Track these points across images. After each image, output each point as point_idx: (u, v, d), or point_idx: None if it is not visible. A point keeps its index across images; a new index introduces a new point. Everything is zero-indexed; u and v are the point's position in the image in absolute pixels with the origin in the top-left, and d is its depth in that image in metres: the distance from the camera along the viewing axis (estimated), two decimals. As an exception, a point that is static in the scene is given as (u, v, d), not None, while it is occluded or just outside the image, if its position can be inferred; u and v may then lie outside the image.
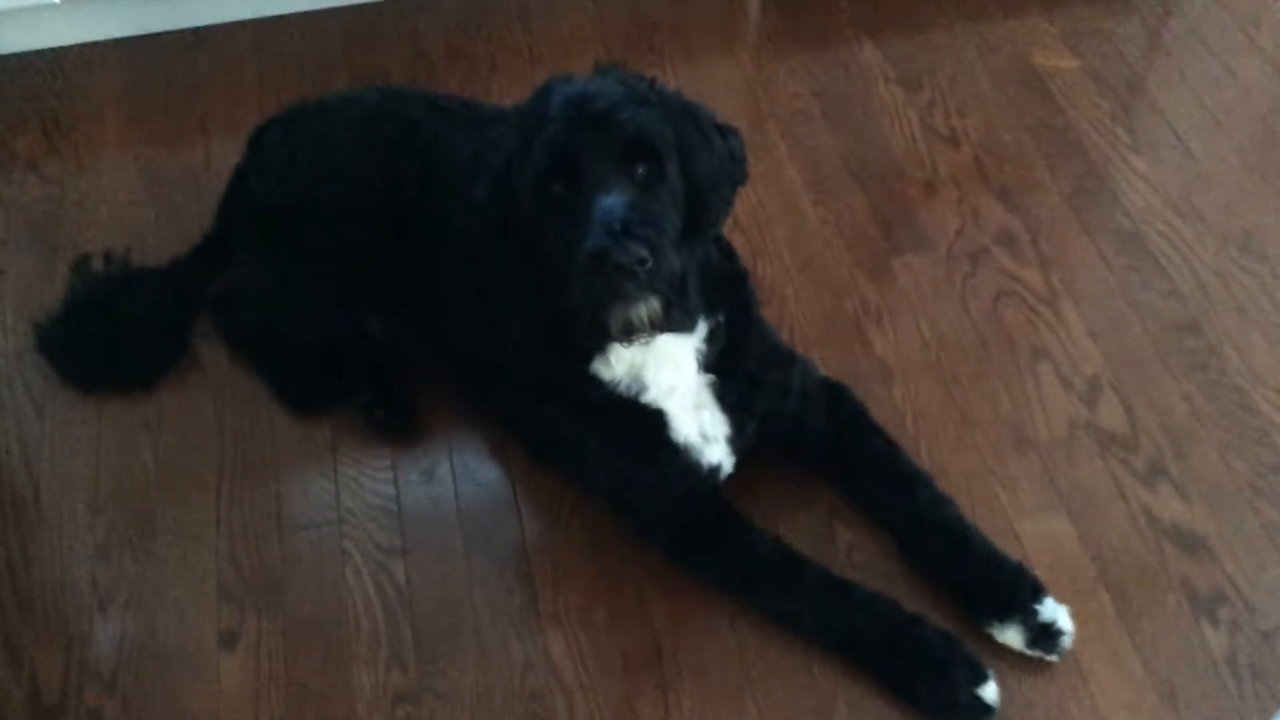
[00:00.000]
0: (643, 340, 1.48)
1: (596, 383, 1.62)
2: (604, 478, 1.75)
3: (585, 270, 1.38)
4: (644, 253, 1.36)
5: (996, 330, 2.05)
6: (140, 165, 2.35)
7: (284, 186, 1.89)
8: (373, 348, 2.00)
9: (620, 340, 1.47)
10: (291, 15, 2.59)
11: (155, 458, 1.94)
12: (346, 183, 1.85)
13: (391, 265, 1.86)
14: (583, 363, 1.61)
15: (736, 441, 1.71)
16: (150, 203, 2.29)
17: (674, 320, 1.48)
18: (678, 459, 1.67)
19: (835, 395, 1.84)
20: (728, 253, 1.71)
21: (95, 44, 2.56)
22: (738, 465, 1.75)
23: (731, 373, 1.68)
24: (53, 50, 2.54)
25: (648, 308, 1.42)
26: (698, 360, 1.64)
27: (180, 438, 1.97)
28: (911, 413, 1.95)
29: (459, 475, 1.92)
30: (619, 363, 1.59)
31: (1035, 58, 2.47)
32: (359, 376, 1.98)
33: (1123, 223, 2.19)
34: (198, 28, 2.59)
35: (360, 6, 2.61)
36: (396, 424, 1.95)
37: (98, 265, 2.12)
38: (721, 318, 1.65)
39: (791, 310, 2.07)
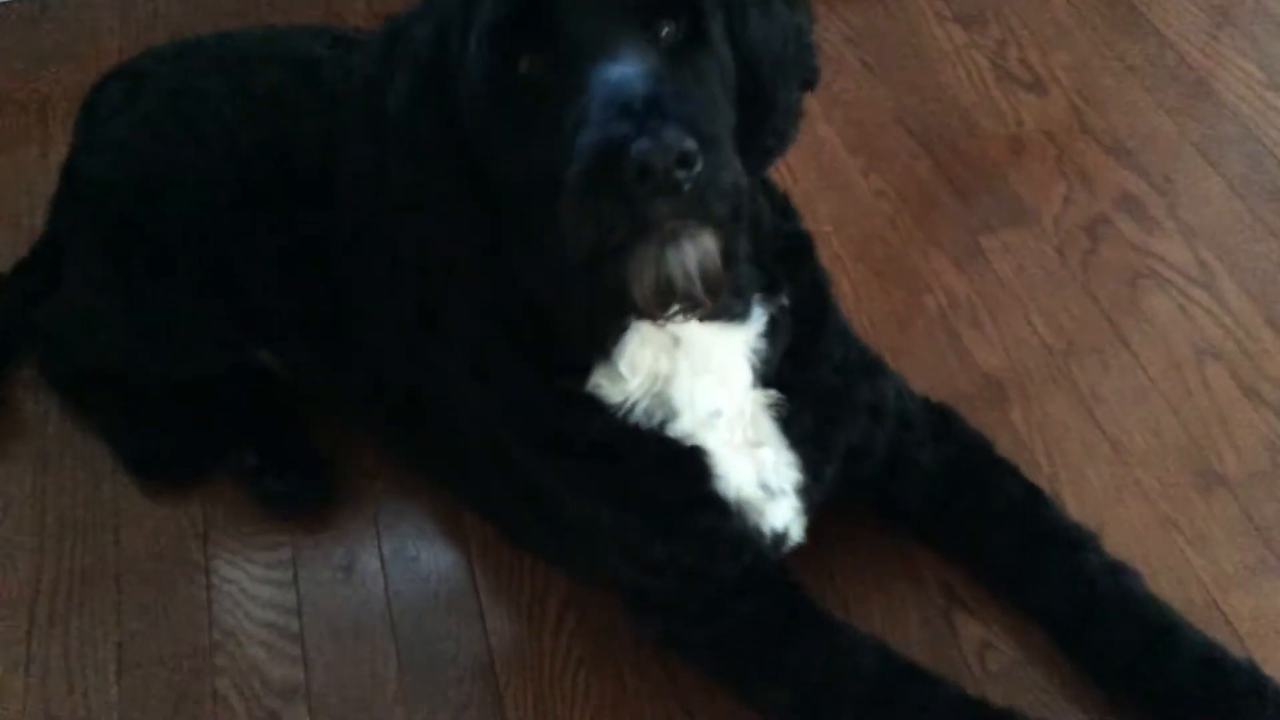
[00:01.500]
0: (687, 315, 0.87)
1: (596, 408, 1.02)
2: (611, 559, 1.14)
3: (585, 184, 0.79)
4: (688, 141, 0.77)
5: (1141, 324, 1.47)
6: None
7: (126, 160, 1.28)
8: (261, 388, 1.39)
9: (651, 312, 0.86)
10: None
11: (-55, 564, 1.32)
12: (217, 150, 1.26)
13: (285, 265, 1.25)
14: (574, 377, 1.01)
15: (811, 494, 1.11)
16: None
17: (735, 282, 0.90)
18: (725, 524, 1.07)
19: (945, 422, 1.24)
20: (783, 208, 1.12)
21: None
22: (811, 529, 1.14)
23: (803, 389, 1.08)
24: None
25: (698, 251, 0.83)
26: (753, 368, 1.04)
27: (-17, 533, 1.34)
28: (1042, 444, 1.35)
29: (391, 568, 1.30)
30: (633, 372, 1.00)
31: (1124, -15, 1.93)
32: (241, 429, 1.36)
33: (1277, 175, 1.62)
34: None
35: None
36: (298, 496, 1.34)
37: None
38: (786, 302, 1.06)
39: (853, 311, 1.47)
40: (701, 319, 0.96)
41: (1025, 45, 1.83)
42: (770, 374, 1.06)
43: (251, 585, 1.29)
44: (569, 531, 1.15)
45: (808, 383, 1.08)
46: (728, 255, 0.85)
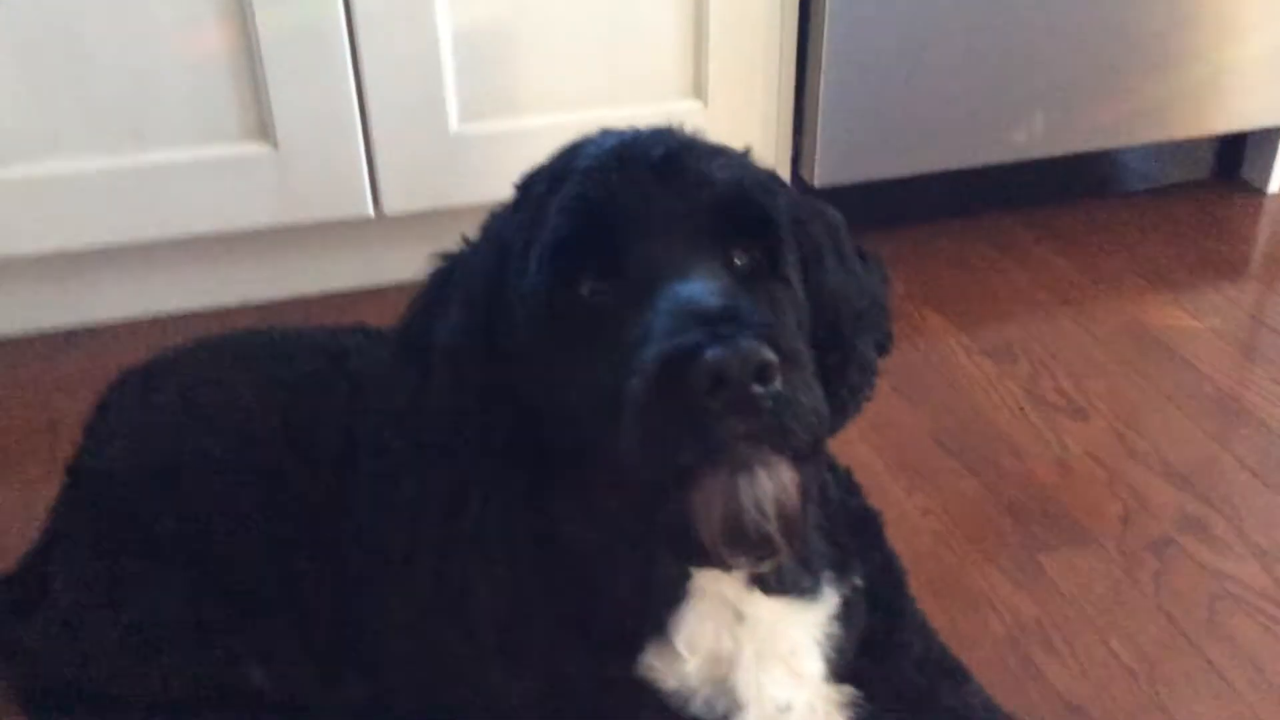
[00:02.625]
0: (759, 561, 0.77)
1: (649, 697, 0.89)
2: None
3: (650, 397, 0.72)
4: (767, 352, 0.70)
5: (1226, 647, 1.34)
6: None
7: (132, 449, 1.21)
8: (251, 712, 1.23)
9: (718, 554, 0.75)
10: (188, 313, 2.03)
11: None
12: (231, 436, 1.18)
13: (291, 559, 1.15)
14: (622, 658, 0.88)
15: (899, 814, 0.95)
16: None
17: (808, 536, 0.80)
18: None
19: (1033, 742, 1.09)
20: (847, 483, 1.04)
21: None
22: None
23: (881, 686, 0.95)
24: None
25: (774, 482, 0.73)
26: (825, 656, 0.92)
27: None
28: (1145, 779, 1.19)
29: None
30: (691, 651, 0.87)
31: (1148, 318, 1.94)
32: (231, 754, 1.20)
33: (1343, 498, 1.55)
34: (69, 328, 2.00)
35: (268, 305, 2.06)
36: (290, 833, 1.15)
37: None
38: (860, 582, 0.95)
39: (910, 631, 1.35)
40: (769, 589, 0.86)
41: (1058, 375, 1.82)
42: (844, 667, 0.93)
43: None
44: None
45: (886, 680, 0.96)
46: (805, 494, 0.76)
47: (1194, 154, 2.44)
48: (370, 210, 1.96)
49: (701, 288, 0.76)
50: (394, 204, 1.96)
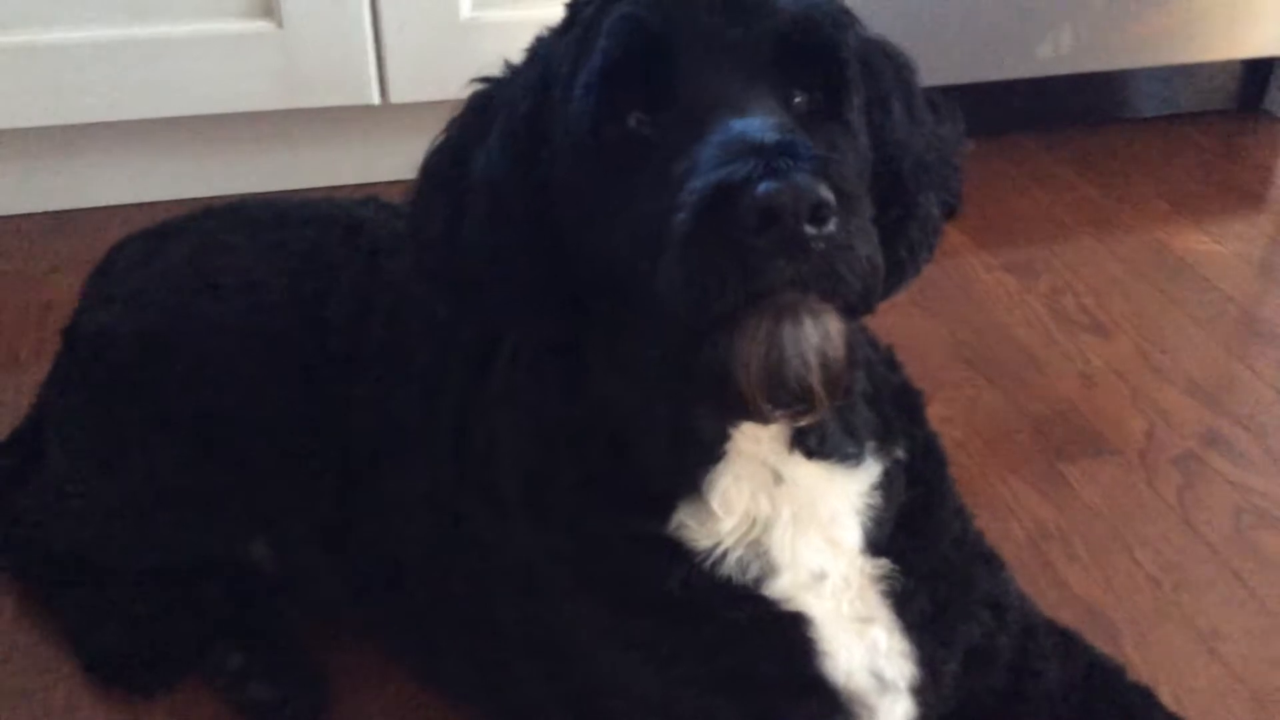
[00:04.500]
0: (799, 416, 0.72)
1: (679, 555, 0.84)
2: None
3: (694, 232, 0.66)
4: (823, 190, 0.65)
5: (1256, 563, 1.31)
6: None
7: (134, 311, 1.15)
8: (249, 584, 1.19)
9: (757, 405, 0.70)
10: (183, 200, 1.95)
11: None
12: (237, 302, 1.13)
13: (299, 429, 1.10)
14: (653, 515, 0.84)
15: (928, 698, 0.91)
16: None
17: (854, 390, 0.75)
18: (829, 717, 0.86)
19: (1067, 639, 1.05)
20: (889, 360, 0.99)
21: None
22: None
23: (918, 564, 0.91)
24: None
25: (820, 332, 0.68)
26: (863, 526, 0.87)
27: (-100, 743, 1.10)
28: (1169, 686, 1.16)
29: (397, 798, 1.06)
30: (726, 511, 0.83)
31: (1170, 241, 1.90)
32: (224, 627, 1.15)
33: (1369, 423, 1.52)
34: (58, 210, 1.93)
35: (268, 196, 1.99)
36: (288, 705, 1.11)
37: None
38: (903, 455, 0.91)
39: (929, 533, 1.31)
40: (811, 452, 0.82)
41: (1080, 293, 1.78)
42: (881, 541, 0.89)
43: (225, 814, 1.04)
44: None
45: (923, 558, 0.91)
46: (853, 348, 0.72)
47: (1217, 83, 2.39)
48: (376, 97, 1.89)
49: (757, 122, 0.71)
50: (401, 92, 1.89)
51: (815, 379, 0.69)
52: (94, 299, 1.20)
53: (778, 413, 0.71)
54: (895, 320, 1.71)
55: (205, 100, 1.84)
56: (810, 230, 0.65)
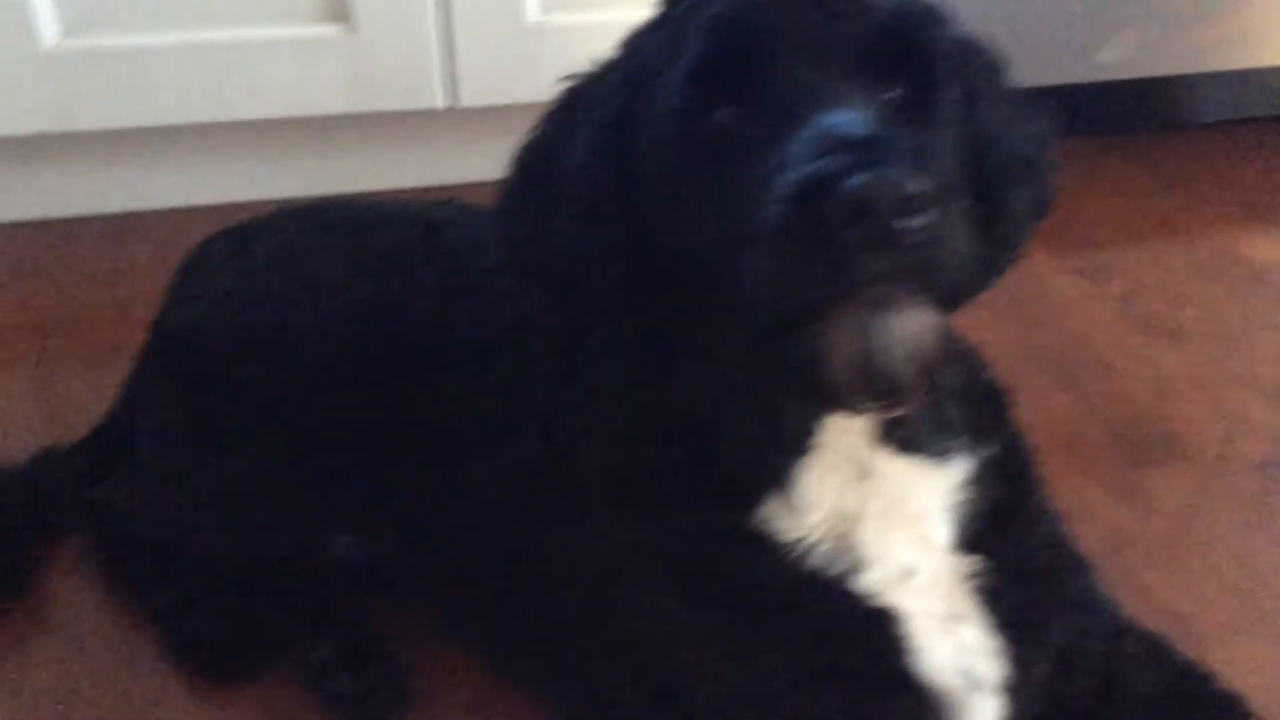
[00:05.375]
0: (888, 408, 0.73)
1: (765, 550, 0.84)
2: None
3: (783, 226, 0.67)
4: (917, 183, 0.65)
5: (1341, 569, 1.29)
6: (34, 353, 1.64)
7: (223, 310, 1.17)
8: (333, 578, 1.21)
9: (845, 397, 0.71)
10: (253, 203, 1.98)
11: (-61, 764, 1.09)
12: (323, 304, 1.14)
13: (383, 427, 1.11)
14: (741, 509, 0.84)
15: (1018, 699, 0.90)
16: (37, 394, 1.55)
17: (943, 386, 0.75)
18: (919, 716, 0.86)
19: (1155, 645, 1.04)
20: (975, 358, 0.99)
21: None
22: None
23: (1008, 562, 0.90)
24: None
25: (912, 325, 0.69)
26: (953, 523, 0.87)
27: (-7, 730, 1.13)
28: (1259, 696, 1.13)
29: (479, 792, 1.07)
30: (813, 506, 0.83)
31: (1242, 247, 1.87)
32: (310, 620, 1.17)
33: None
34: (132, 212, 1.97)
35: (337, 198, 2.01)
36: (373, 698, 1.12)
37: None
38: (992, 451, 0.90)
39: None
40: (901, 447, 0.82)
41: (1151, 298, 1.76)
42: (971, 538, 0.89)
43: (312, 803, 1.05)
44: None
45: (1013, 556, 0.91)
46: (944, 342, 0.72)
47: (1285, 89, 2.36)
48: (443, 102, 1.91)
49: (849, 116, 0.71)
50: (468, 96, 1.91)
51: (906, 371, 0.70)
52: (182, 295, 1.23)
53: (868, 405, 0.72)
54: (966, 323, 1.68)
55: (276, 104, 1.87)
56: (903, 223, 0.65)
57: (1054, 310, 1.73)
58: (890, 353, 0.68)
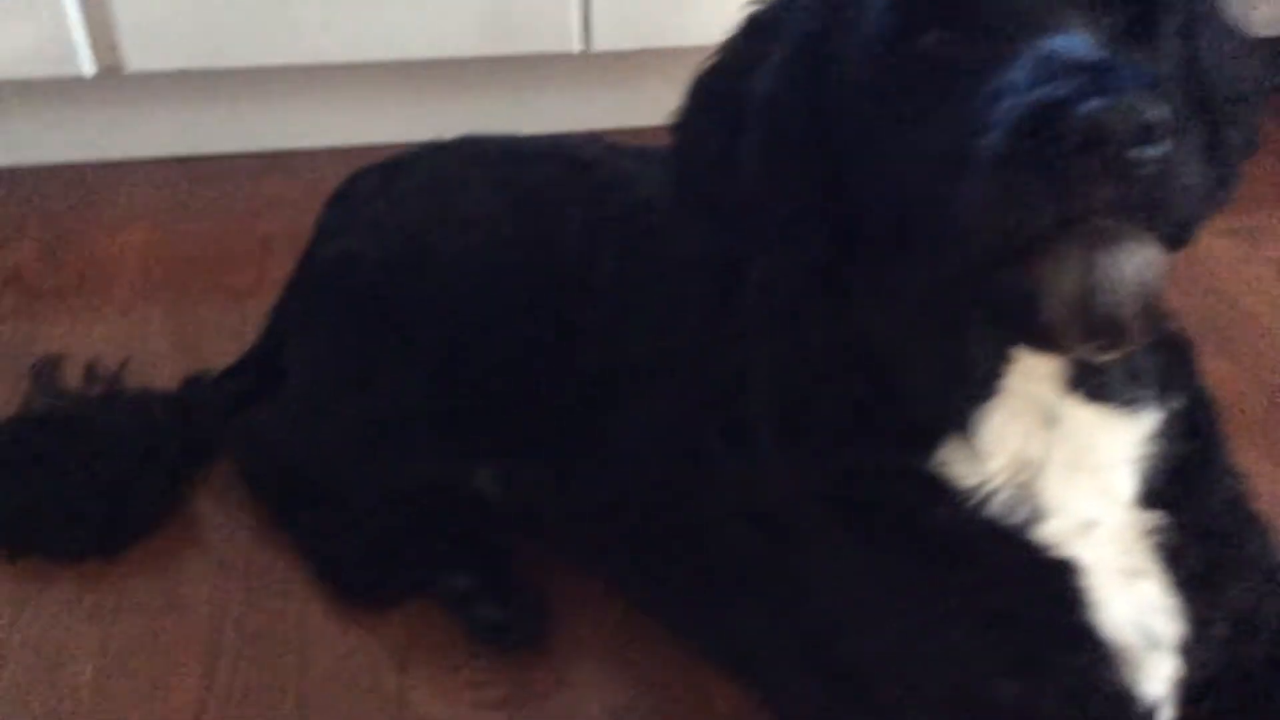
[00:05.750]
0: (1104, 350, 0.70)
1: (941, 494, 0.82)
2: (923, 712, 0.89)
3: (1008, 152, 0.64)
4: (1157, 110, 0.61)
5: None
6: (173, 284, 1.67)
7: (377, 237, 1.18)
8: (476, 510, 1.21)
9: (1060, 336, 0.68)
10: (387, 145, 1.99)
11: (99, 673, 1.12)
12: (475, 235, 1.15)
13: (533, 359, 1.11)
14: (915, 450, 0.82)
15: (1194, 659, 0.87)
16: (174, 326, 1.58)
17: (1157, 329, 0.72)
18: (1103, 672, 0.84)
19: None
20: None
21: (138, 161, 1.95)
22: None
23: (1190, 519, 0.87)
24: (89, 163, 1.94)
25: (1140, 261, 0.66)
26: (1137, 476, 0.84)
27: (147, 641, 1.15)
28: None
29: (620, 724, 1.07)
30: (995, 452, 0.80)
31: None
32: (454, 550, 1.18)
33: None
34: (275, 151, 1.99)
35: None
36: (514, 628, 1.13)
37: (73, 377, 1.38)
38: (1180, 404, 0.87)
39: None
40: (1090, 395, 0.79)
41: (1312, 262, 1.69)
42: (1155, 493, 0.85)
43: (456, 727, 1.06)
44: (858, 679, 0.91)
45: (1196, 514, 0.87)
46: (1166, 283, 0.69)
47: None
48: (579, 45, 1.89)
49: (1075, 39, 0.68)
50: (603, 40, 1.89)
51: (1129, 312, 0.67)
52: (334, 226, 1.24)
53: (1082, 346, 0.69)
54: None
55: (414, 46, 1.87)
56: (1139, 153, 0.62)
57: (1207, 273, 1.67)
58: (1114, 290, 0.65)
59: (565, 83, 2.01)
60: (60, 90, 1.87)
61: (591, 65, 1.96)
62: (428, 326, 1.12)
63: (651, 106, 1.94)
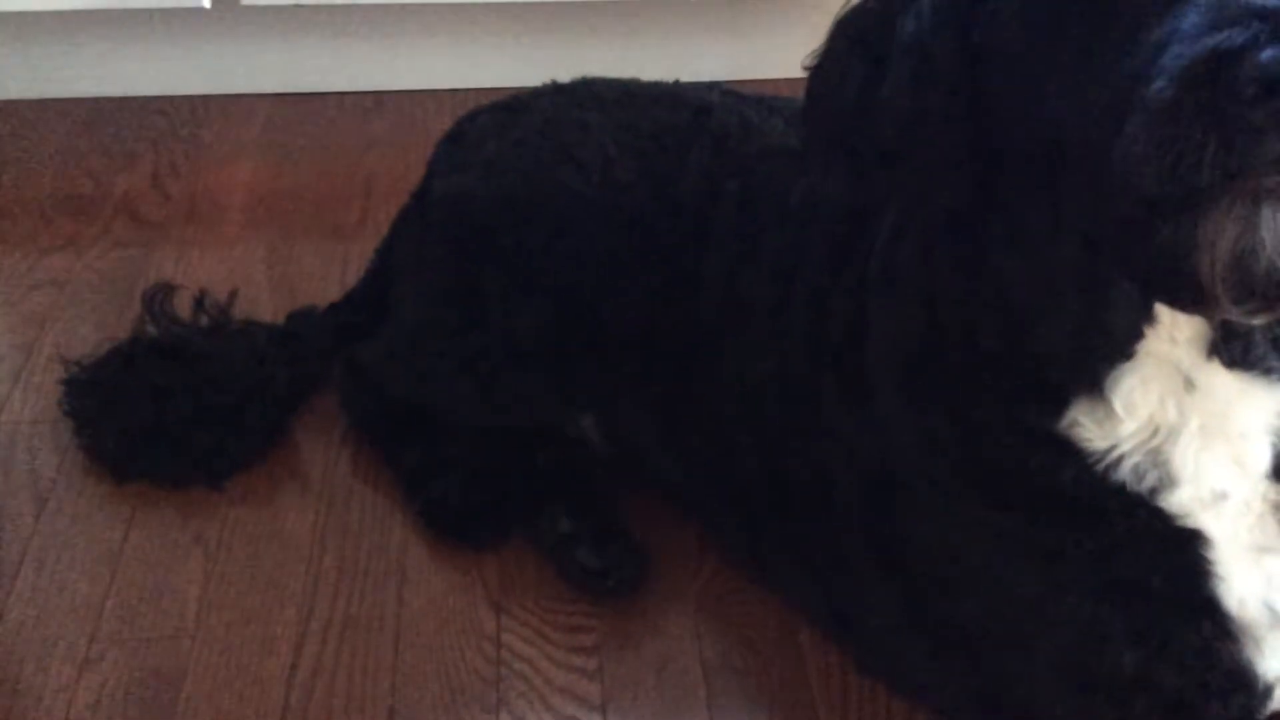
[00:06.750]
0: (1261, 314, 0.67)
1: (1070, 455, 0.80)
2: (1039, 677, 0.87)
3: (1174, 100, 0.61)
4: None
5: None
6: (277, 220, 1.69)
7: (493, 175, 1.17)
8: (578, 454, 1.21)
9: (1215, 295, 0.65)
10: (489, 89, 1.98)
11: (202, 597, 1.15)
12: (592, 176, 1.14)
13: (645, 306, 1.10)
14: (1044, 409, 0.79)
15: (1321, 639, 0.84)
16: (276, 261, 1.60)
17: None
18: (1227, 646, 0.81)
19: None
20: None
21: (247, 96, 1.97)
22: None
23: (1324, 496, 0.83)
24: (200, 95, 1.96)
25: None
26: (1275, 448, 0.81)
27: (249, 569, 1.17)
28: None
29: (713, 678, 1.07)
30: (1128, 414, 0.77)
31: None
32: (555, 493, 1.18)
33: None
34: (381, 90, 2.00)
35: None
36: (612, 574, 1.13)
37: (183, 306, 1.40)
38: (1322, 376, 0.83)
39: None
40: (1230, 361, 0.75)
41: None
42: (1289, 465, 0.82)
43: (549, 668, 1.07)
44: (965, 641, 0.90)
45: (1328, 491, 0.84)
46: None
47: None
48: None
49: None
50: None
51: None
52: (448, 164, 1.23)
53: (1234, 308, 0.66)
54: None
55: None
56: None
57: None
58: (1275, 251, 0.62)
59: (669, 30, 1.98)
60: (177, 21, 1.89)
61: (706, 8, 1.93)
62: (541, 267, 1.12)
63: (770, 57, 1.92)
